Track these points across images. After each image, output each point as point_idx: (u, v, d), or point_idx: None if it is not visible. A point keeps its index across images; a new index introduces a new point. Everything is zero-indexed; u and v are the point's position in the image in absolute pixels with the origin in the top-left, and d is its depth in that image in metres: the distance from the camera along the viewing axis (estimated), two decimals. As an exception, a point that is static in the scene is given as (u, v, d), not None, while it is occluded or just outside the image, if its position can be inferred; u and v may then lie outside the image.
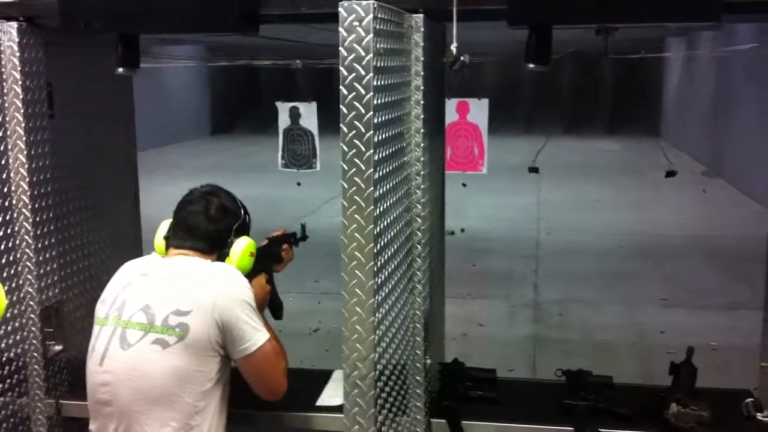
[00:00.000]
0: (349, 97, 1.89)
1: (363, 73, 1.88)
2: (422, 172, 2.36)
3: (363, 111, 1.89)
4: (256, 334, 2.22)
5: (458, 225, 8.57)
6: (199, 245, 2.33)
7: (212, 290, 2.19)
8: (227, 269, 2.29)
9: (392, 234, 2.13)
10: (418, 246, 2.40)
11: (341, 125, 1.90)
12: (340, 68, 1.89)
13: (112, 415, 2.22)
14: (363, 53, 1.87)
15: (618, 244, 8.67)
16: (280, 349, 2.38)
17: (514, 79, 18.33)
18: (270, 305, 2.62)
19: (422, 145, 2.34)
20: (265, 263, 2.57)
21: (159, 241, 2.41)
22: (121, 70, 2.57)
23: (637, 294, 6.93)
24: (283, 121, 3.48)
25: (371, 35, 1.86)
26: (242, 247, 2.38)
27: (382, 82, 1.98)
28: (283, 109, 3.49)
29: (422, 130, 2.33)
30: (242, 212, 2.44)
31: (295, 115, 3.48)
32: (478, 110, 3.20)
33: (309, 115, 3.47)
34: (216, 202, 2.38)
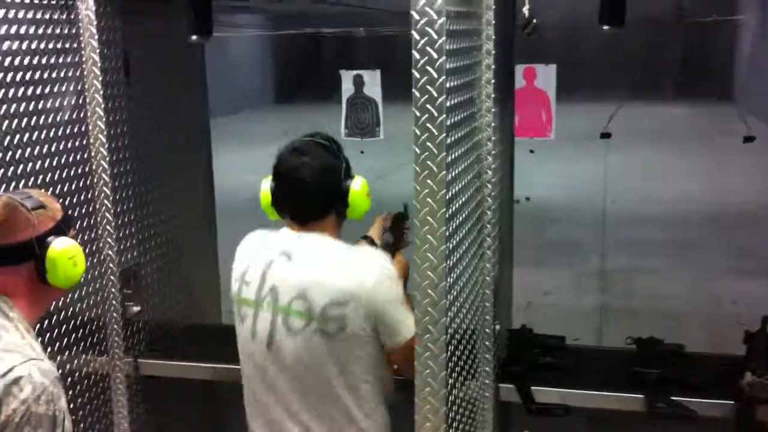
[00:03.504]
0: (422, 61, 1.88)
1: (435, 37, 1.86)
2: (493, 138, 2.34)
3: (435, 75, 1.87)
4: (407, 329, 2.16)
5: (524, 193, 8.46)
6: (319, 213, 2.26)
7: (367, 285, 2.15)
8: (379, 261, 2.23)
9: (463, 200, 2.13)
10: (488, 212, 2.40)
11: (413, 90, 1.90)
12: (412, 32, 1.88)
13: (269, 398, 2.25)
14: (435, 17, 1.85)
15: (687, 212, 8.49)
16: None
17: (582, 44, 17.93)
18: None
19: (493, 110, 2.33)
20: (397, 239, 2.59)
21: (268, 208, 2.34)
22: (194, 37, 2.61)
23: (707, 263, 6.78)
24: (347, 89, 3.47)
25: (444, -2, 1.84)
26: (358, 190, 2.28)
27: (454, 46, 1.96)
28: (347, 77, 3.47)
29: (493, 95, 2.32)
30: (341, 155, 2.31)
31: (358, 83, 3.46)
32: (546, 76, 3.16)
33: (373, 83, 3.45)
34: (317, 165, 2.23)
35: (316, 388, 2.20)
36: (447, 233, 1.94)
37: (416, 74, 1.89)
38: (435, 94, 1.89)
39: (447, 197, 1.93)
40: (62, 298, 2.49)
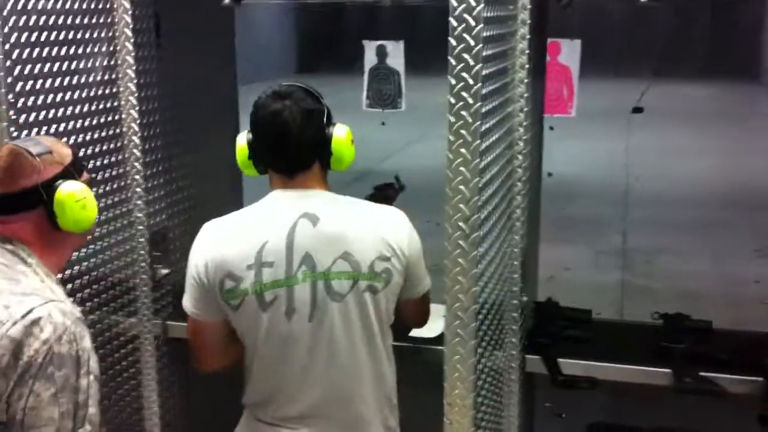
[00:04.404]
0: (459, 29, 1.86)
1: (474, 4, 1.84)
2: (525, 109, 2.33)
3: (473, 43, 1.85)
4: (428, 279, 2.26)
5: (545, 169, 8.44)
6: (305, 161, 2.13)
7: (404, 237, 2.15)
8: (402, 216, 2.22)
9: (495, 170, 2.12)
10: (518, 184, 2.39)
11: (449, 58, 1.88)
12: (450, 0, 1.86)
13: (308, 363, 2.13)
14: (474, -16, 1.83)
15: (711, 192, 8.42)
16: None
17: (606, 20, 17.71)
18: None
19: (526, 81, 2.31)
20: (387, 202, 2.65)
21: (245, 164, 2.21)
22: (226, 1, 2.60)
23: (730, 244, 6.74)
24: (369, 59, 3.44)
25: (482, -34, 1.82)
26: (343, 138, 2.16)
27: (491, 14, 1.95)
28: (370, 47, 3.43)
29: (527, 66, 2.30)
30: (322, 101, 2.19)
31: (381, 53, 3.44)
32: (570, 51, 3.12)
33: (396, 53, 3.42)
34: (300, 108, 2.10)
35: (355, 346, 2.13)
36: (479, 203, 1.94)
37: (453, 42, 1.87)
38: (471, 62, 1.87)
39: (480, 166, 1.93)
40: (92, 260, 2.51)
